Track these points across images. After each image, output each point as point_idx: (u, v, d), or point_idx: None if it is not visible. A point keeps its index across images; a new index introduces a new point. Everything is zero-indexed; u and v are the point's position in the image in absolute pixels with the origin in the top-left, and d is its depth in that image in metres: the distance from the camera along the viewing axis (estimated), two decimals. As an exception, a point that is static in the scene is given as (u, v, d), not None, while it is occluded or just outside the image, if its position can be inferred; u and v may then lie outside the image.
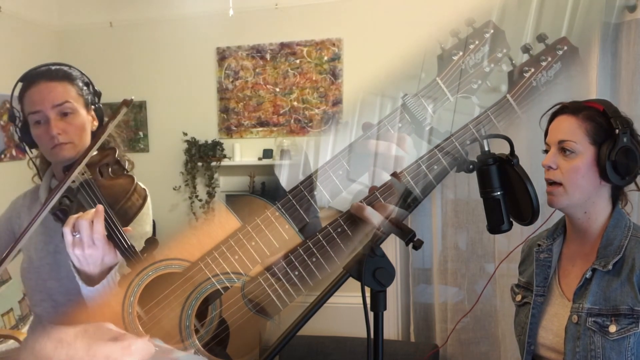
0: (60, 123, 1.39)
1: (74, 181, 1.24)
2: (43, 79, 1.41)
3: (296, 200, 0.98)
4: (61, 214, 1.24)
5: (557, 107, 1.46)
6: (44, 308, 1.47)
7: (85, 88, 1.47)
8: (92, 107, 1.48)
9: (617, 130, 1.35)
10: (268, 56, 4.14)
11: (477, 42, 1.00)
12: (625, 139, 1.35)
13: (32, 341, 0.66)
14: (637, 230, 1.41)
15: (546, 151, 1.47)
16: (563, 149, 1.40)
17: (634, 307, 1.32)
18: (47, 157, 1.48)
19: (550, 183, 1.43)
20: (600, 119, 1.38)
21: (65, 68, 1.46)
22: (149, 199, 1.36)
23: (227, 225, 0.99)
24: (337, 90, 4.04)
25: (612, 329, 1.33)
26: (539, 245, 1.53)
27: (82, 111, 1.44)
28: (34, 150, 1.50)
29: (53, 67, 1.45)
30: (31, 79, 1.42)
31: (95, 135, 1.32)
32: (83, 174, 1.25)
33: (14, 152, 3.86)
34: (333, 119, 4.00)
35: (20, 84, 1.43)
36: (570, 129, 1.40)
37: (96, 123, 1.49)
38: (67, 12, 4.41)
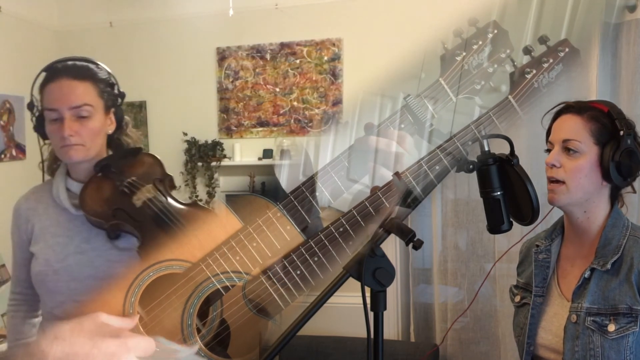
0: (74, 124, 1.36)
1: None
2: (65, 76, 1.37)
3: (298, 201, 0.98)
4: (113, 234, 1.30)
5: (561, 106, 1.45)
6: (65, 309, 1.43)
7: (108, 89, 1.43)
8: (113, 109, 1.45)
9: (621, 132, 1.36)
10: (268, 56, 4.14)
11: (480, 43, 1.00)
12: (629, 141, 1.36)
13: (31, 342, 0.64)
14: (635, 230, 1.41)
15: (548, 150, 1.47)
16: (567, 148, 1.40)
17: (633, 307, 1.32)
18: (57, 154, 1.46)
19: (553, 181, 1.43)
20: (605, 120, 1.38)
21: (92, 66, 1.42)
22: None
23: (228, 226, 0.99)
24: (337, 90, 4.03)
25: (611, 328, 1.33)
26: (538, 245, 1.53)
27: (100, 114, 1.41)
28: (46, 141, 1.49)
29: (79, 63, 1.40)
30: (54, 72, 1.38)
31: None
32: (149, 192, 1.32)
33: (14, 152, 3.85)
34: (333, 119, 4.00)
35: (43, 74, 1.39)
36: (574, 128, 1.40)
37: (114, 126, 1.47)
38: (67, 12, 4.40)
